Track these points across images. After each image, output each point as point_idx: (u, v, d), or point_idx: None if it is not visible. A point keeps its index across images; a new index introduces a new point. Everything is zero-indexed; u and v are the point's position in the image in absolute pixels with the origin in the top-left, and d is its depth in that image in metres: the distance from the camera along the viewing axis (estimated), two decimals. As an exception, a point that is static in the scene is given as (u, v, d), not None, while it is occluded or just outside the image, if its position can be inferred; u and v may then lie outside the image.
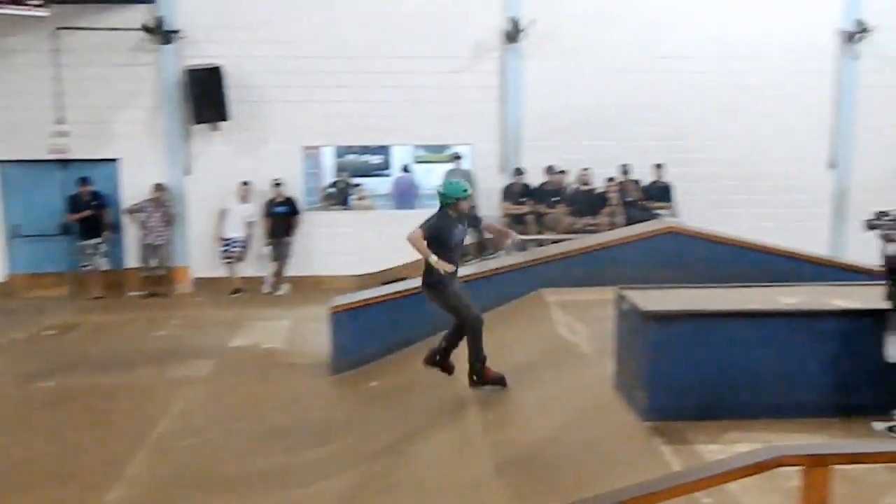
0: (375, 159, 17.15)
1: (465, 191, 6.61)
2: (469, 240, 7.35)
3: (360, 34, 12.60)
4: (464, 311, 6.61)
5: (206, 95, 12.39)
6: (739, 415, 5.24)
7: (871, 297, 5.35)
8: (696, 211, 12.30)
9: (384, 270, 12.52)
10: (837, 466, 3.43)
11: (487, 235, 8.97)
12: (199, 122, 12.63)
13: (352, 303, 8.78)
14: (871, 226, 4.65)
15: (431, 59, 12.65)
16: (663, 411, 5.19)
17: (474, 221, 7.04)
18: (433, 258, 6.36)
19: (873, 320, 5.20)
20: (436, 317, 8.53)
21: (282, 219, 12.81)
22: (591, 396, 5.99)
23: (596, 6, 12.70)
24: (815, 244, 11.58)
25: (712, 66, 12.74)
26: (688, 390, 5.22)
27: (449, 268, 6.43)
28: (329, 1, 12.67)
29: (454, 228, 6.58)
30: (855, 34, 12.68)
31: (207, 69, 12.32)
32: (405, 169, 15.45)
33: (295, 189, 12.98)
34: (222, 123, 12.63)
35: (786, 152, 13.05)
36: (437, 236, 6.44)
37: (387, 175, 16.61)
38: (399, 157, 16.51)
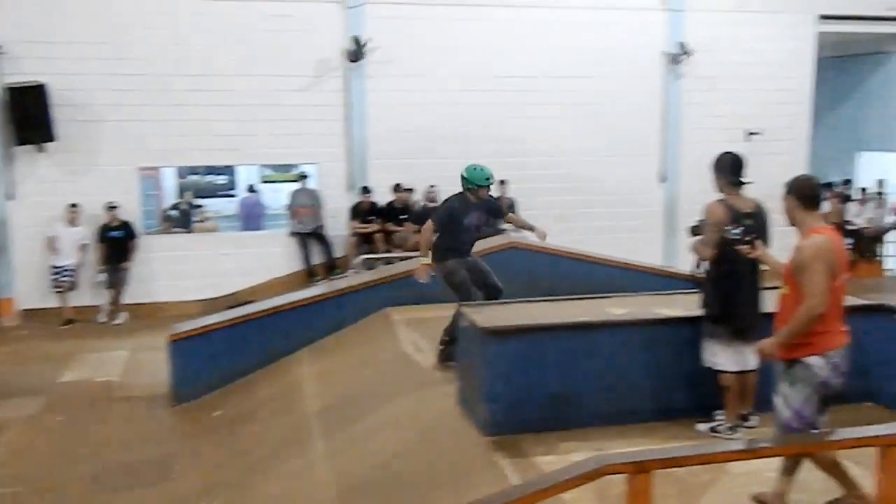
0: (220, 179, 16.59)
1: (488, 179, 6.65)
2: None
3: (201, 51, 12.21)
4: (460, 289, 6.58)
5: (28, 115, 11.61)
6: (576, 425, 5.40)
7: (691, 305, 5.66)
8: (539, 225, 12.64)
9: (230, 294, 12.17)
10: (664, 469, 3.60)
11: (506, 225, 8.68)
12: (21, 144, 11.82)
13: (192, 329, 8.44)
14: (695, 231, 4.91)
15: (276, 77, 12.44)
16: (503, 425, 5.27)
17: (496, 213, 7.09)
18: (421, 260, 6.53)
19: (693, 327, 5.50)
20: (284, 339, 8.40)
21: (117, 244, 12.16)
22: (434, 414, 6.01)
23: (435, 28, 12.90)
24: (649, 254, 12.25)
25: (548, 86, 13.21)
26: (526, 403, 5.33)
27: (421, 277, 6.51)
28: (169, 17, 12.21)
29: (469, 212, 6.63)
30: (678, 56, 13.51)
31: (30, 87, 11.55)
32: (251, 189, 15.05)
33: (131, 212, 12.37)
34: (48, 144, 11.88)
35: (620, 167, 13.69)
36: (448, 217, 6.58)
37: (232, 195, 16.13)
38: (245, 176, 16.08)
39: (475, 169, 6.70)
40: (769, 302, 5.22)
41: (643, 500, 3.46)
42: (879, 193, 14.88)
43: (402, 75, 12.80)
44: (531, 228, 7.35)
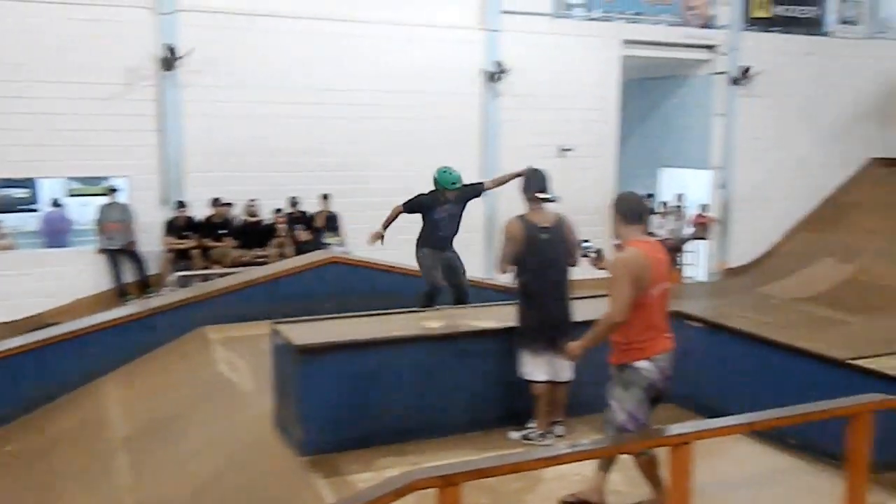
0: (20, 193, 15.41)
1: (454, 183, 7.04)
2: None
3: (3, 55, 11.27)
4: (424, 277, 7.19)
5: None
6: (393, 440, 5.40)
7: (506, 316, 5.82)
8: (364, 240, 12.63)
9: (32, 316, 11.27)
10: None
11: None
12: None
13: (-14, 356, 7.71)
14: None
15: (84, 84, 11.67)
16: (319, 445, 5.18)
17: (474, 193, 7.40)
18: (377, 228, 7.31)
19: (506, 338, 5.66)
20: (92, 363, 7.84)
21: None
22: (249, 436, 5.82)
23: (255, 39, 12.60)
24: (470, 267, 12.49)
25: (370, 100, 13.25)
26: (342, 421, 5.27)
27: (372, 241, 7.37)
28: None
29: (438, 206, 7.08)
30: (495, 74, 13.96)
31: None
32: (56, 203, 14.05)
33: (-87, 229, 11.22)
34: None
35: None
36: (417, 205, 7.18)
37: (34, 210, 15.00)
38: (49, 190, 15.00)
39: (444, 172, 7.15)
40: (583, 311, 5.48)
41: (451, 513, 3.49)
42: (678, 207, 16.01)
43: (221, 86, 12.40)
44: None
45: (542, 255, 5.48)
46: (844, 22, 17.38)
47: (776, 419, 4.33)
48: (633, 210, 4.51)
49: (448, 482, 3.47)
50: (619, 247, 4.50)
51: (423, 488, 3.43)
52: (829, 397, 4.47)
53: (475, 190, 7.50)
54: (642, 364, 4.37)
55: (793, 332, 7.05)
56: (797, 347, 5.94)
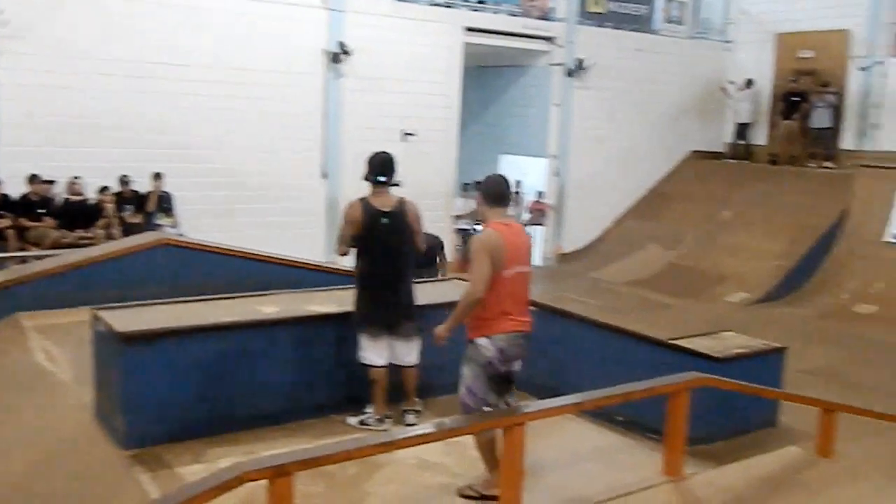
0: None
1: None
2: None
3: None
4: None
5: None
6: (227, 429, 5.21)
7: (344, 301, 5.73)
8: (200, 222, 12.19)
9: None
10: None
11: None
12: None
13: None
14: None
15: None
16: (145, 437, 4.91)
17: None
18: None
19: (345, 323, 5.57)
20: None
21: None
22: (68, 429, 5.43)
23: (80, 6, 11.77)
24: (312, 251, 12.31)
25: (208, 77, 12.70)
26: (171, 411, 5.02)
27: None
28: None
29: None
30: (338, 55, 13.74)
31: None
32: None
33: None
34: None
35: (283, 162, 13.59)
36: None
37: None
38: None
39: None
40: (425, 295, 5.48)
41: (285, 505, 3.39)
42: (517, 193, 16.45)
43: (41, 55, 11.48)
44: None
45: (382, 240, 5.42)
46: (670, 21, 18.40)
47: (603, 398, 4.52)
48: (493, 192, 4.60)
49: (280, 472, 3.37)
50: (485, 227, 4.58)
51: (253, 480, 3.31)
52: (654, 376, 4.71)
53: None
54: (482, 341, 4.45)
55: (621, 314, 7.41)
56: (625, 329, 6.24)
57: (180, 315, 5.44)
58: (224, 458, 4.74)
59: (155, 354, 4.94)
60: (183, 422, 5.05)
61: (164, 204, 12.30)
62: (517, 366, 4.61)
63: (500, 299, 4.43)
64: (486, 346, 4.44)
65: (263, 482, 3.37)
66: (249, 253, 9.07)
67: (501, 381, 4.57)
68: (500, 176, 4.80)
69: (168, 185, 12.36)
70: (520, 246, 4.57)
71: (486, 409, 4.51)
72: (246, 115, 13.16)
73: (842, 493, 4.45)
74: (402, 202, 5.53)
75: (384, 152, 5.63)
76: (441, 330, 4.65)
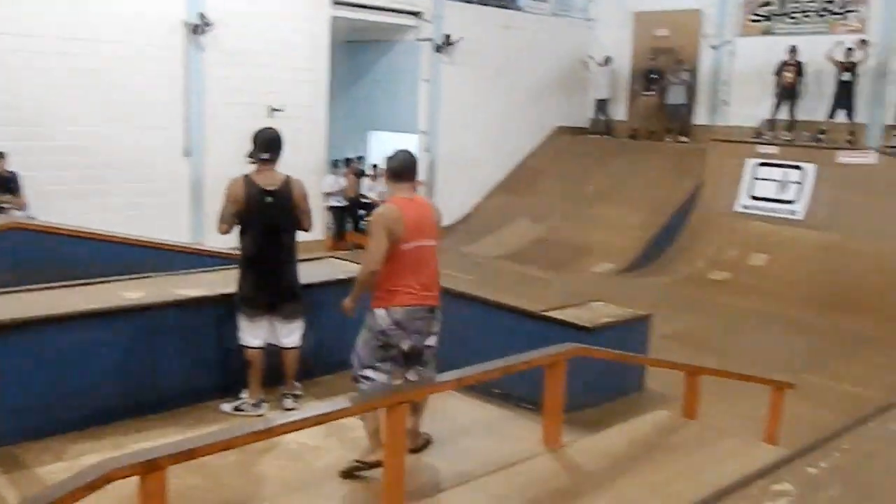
0: None
1: None
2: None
3: None
4: None
5: None
6: (91, 423, 4.93)
7: (218, 283, 5.51)
8: (53, 204, 11.42)
9: None
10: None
11: None
12: None
13: None
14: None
15: None
16: (-1, 436, 4.57)
17: None
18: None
19: (217, 306, 5.36)
20: None
21: None
22: None
23: None
24: (176, 232, 11.80)
25: (57, 48, 11.85)
26: (27, 407, 4.70)
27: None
28: None
29: None
30: (199, 27, 13.15)
31: None
32: None
33: None
34: None
35: (143, 140, 12.91)
36: None
37: None
38: None
39: None
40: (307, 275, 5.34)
41: (157, 502, 3.22)
42: (384, 168, 16.38)
43: None
44: None
45: (264, 218, 5.24)
46: (535, -1, 18.71)
47: (483, 373, 4.54)
48: (396, 168, 4.66)
49: (151, 467, 3.18)
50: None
51: (121, 477, 3.11)
52: (530, 348, 4.78)
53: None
54: (379, 311, 4.55)
55: (494, 288, 7.47)
56: (500, 303, 6.32)
57: (35, 304, 5.08)
58: (89, 455, 4.50)
59: (9, 347, 4.58)
60: (40, 418, 4.74)
61: (10, 184, 11.44)
62: (429, 340, 4.66)
63: (400, 272, 4.49)
64: (382, 316, 4.52)
65: (134, 479, 3.19)
66: (107, 235, 8.57)
67: (406, 356, 4.61)
68: (406, 152, 4.78)
69: (14, 165, 11.49)
70: (422, 220, 4.60)
71: (370, 375, 4.56)
72: (101, 91, 12.39)
73: (712, 451, 4.68)
74: (287, 181, 5.35)
75: (270, 128, 5.46)
76: (347, 302, 4.71)
